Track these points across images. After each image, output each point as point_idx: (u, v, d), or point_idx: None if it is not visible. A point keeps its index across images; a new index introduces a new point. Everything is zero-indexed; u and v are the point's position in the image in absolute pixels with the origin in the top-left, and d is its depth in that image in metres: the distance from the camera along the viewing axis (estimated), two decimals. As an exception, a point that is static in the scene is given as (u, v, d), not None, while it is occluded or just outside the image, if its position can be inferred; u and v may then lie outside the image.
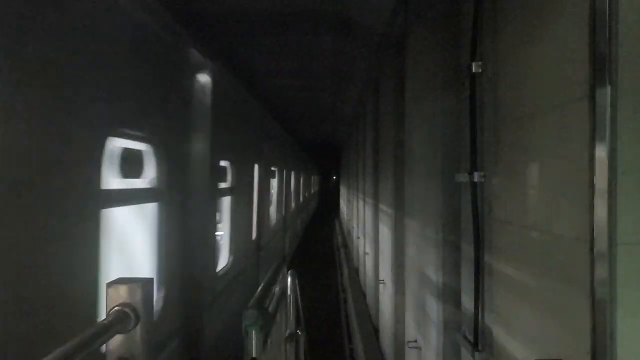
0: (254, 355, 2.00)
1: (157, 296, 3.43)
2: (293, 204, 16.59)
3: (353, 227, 13.44)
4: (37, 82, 2.03)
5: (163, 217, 3.52)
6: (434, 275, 3.39)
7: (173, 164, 3.68)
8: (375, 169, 7.86)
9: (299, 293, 3.40)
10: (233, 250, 5.75)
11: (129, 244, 3.34)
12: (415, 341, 4.07)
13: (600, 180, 1.47)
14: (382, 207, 6.85)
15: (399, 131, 5.19)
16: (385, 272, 6.35)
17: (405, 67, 4.80)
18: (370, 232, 8.37)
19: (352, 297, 9.54)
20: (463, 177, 2.89)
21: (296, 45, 6.24)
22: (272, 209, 10.94)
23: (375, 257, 7.41)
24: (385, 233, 6.38)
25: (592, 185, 1.51)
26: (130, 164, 3.30)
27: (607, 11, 1.45)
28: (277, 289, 2.89)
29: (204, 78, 4.24)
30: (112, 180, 3.04)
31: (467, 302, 2.91)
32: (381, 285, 6.77)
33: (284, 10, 5.04)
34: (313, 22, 5.35)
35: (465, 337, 2.91)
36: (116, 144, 2.99)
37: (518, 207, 2.21)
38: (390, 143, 5.82)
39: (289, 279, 3.32)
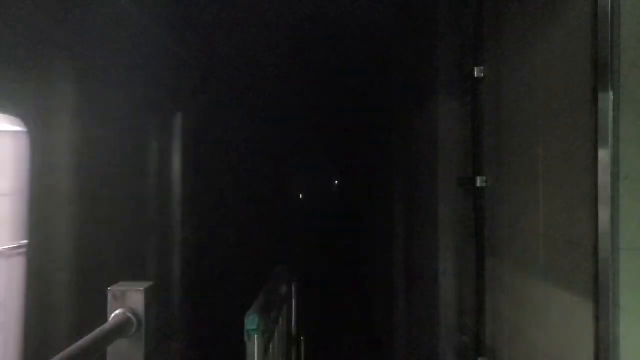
0: (255, 361, 1.99)
1: None
2: None
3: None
4: None
5: None
6: (436, 279, 3.38)
7: None
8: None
9: (300, 298, 3.40)
10: None
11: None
12: (417, 346, 4.05)
13: (603, 185, 1.47)
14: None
15: (403, 135, 5.19)
16: (387, 277, 6.34)
17: (408, 71, 4.81)
18: (372, 237, 8.36)
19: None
20: (465, 182, 2.89)
21: (295, 48, 6.21)
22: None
23: (377, 262, 7.39)
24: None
25: (595, 190, 1.51)
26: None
27: (609, 16, 1.45)
28: (278, 294, 2.89)
29: None
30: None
31: (470, 306, 2.91)
32: (383, 291, 6.75)
33: (284, 14, 5.04)
34: (313, 26, 5.34)
35: (467, 342, 2.90)
36: None
37: (520, 211, 2.21)
38: (393, 147, 5.82)
39: (291, 284, 3.32)
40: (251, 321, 2.05)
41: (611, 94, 1.45)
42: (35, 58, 2.39)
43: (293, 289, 3.34)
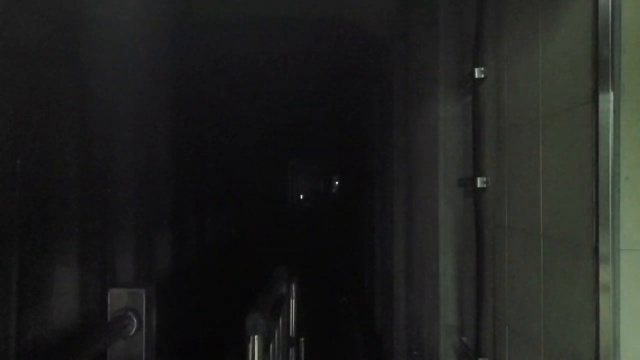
0: (255, 361, 1.99)
1: None
2: None
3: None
4: None
5: None
6: (436, 280, 3.38)
7: None
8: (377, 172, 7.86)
9: (300, 298, 3.40)
10: None
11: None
12: (417, 347, 4.05)
13: (603, 185, 1.47)
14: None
15: (403, 135, 5.20)
16: (387, 278, 6.34)
17: (408, 72, 4.81)
18: (372, 237, 8.36)
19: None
20: (465, 183, 2.89)
21: (293, 49, 6.18)
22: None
23: (377, 262, 7.39)
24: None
25: (595, 191, 1.51)
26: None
27: (609, 16, 1.45)
28: (279, 294, 2.89)
29: None
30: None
31: (469, 307, 2.91)
32: (383, 291, 6.75)
33: (281, 15, 5.01)
34: (313, 25, 5.32)
35: (467, 343, 2.90)
36: None
37: (521, 212, 2.21)
38: (393, 147, 5.82)
39: (291, 284, 3.32)
40: (252, 322, 2.05)
41: (611, 94, 1.45)
42: None
43: (293, 289, 3.35)
